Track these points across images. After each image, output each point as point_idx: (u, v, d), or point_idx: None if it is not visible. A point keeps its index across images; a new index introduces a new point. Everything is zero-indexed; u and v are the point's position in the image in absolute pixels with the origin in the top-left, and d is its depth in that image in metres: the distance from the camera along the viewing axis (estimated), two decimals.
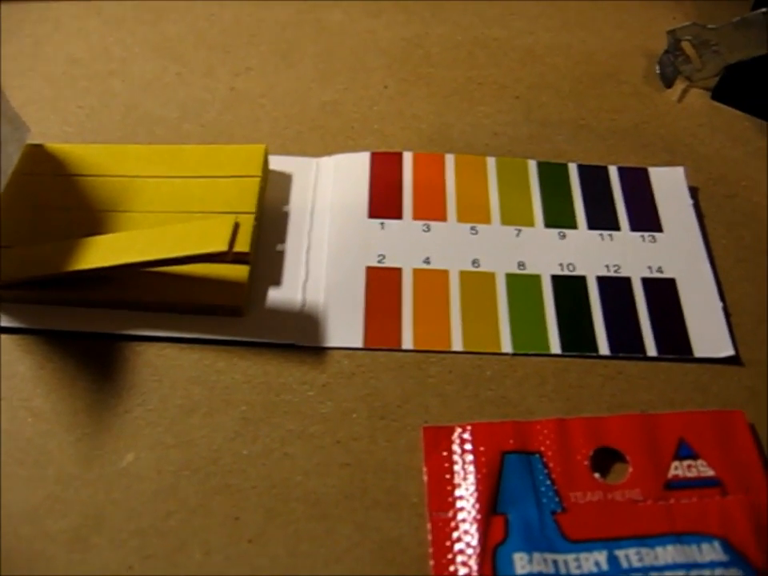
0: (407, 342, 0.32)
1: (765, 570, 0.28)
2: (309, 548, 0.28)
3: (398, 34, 0.43)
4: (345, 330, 0.33)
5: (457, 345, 0.33)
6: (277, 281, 0.34)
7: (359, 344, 0.32)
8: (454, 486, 0.29)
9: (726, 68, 0.40)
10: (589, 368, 0.33)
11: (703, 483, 0.30)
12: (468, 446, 0.30)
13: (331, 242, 0.35)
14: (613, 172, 0.38)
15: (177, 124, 0.39)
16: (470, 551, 0.28)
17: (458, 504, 0.29)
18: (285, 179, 0.37)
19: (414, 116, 0.39)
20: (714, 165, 0.39)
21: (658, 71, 0.42)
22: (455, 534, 0.28)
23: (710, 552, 0.28)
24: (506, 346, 0.33)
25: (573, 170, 0.38)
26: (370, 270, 0.34)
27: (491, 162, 0.38)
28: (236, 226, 0.31)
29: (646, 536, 0.29)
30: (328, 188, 0.37)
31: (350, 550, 0.28)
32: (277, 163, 0.37)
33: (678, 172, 0.38)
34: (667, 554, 0.28)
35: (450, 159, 0.37)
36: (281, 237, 0.35)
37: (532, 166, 0.38)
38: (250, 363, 0.32)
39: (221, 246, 0.31)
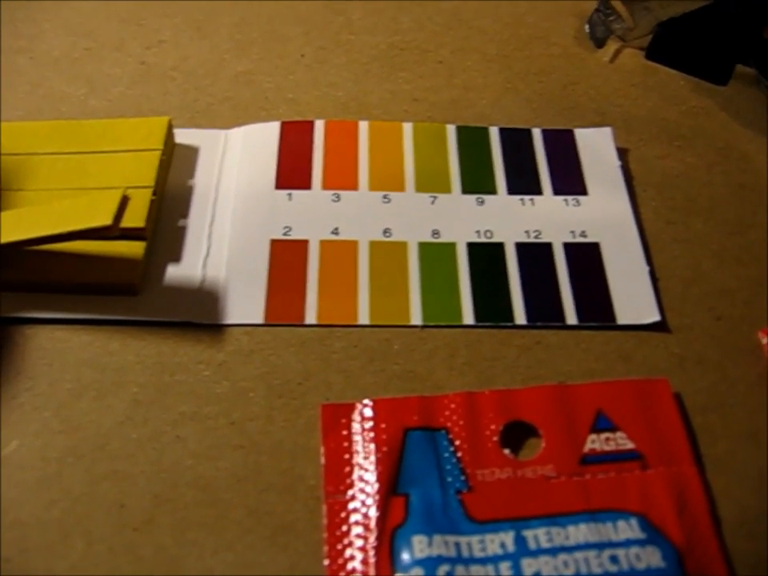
0: (311, 317, 0.31)
1: (685, 547, 0.26)
2: (197, 535, 0.26)
3: (318, 2, 0.41)
4: (245, 305, 0.31)
5: (363, 318, 0.31)
6: (176, 257, 0.32)
7: (259, 320, 0.31)
8: (353, 467, 0.27)
9: (658, 25, 0.38)
10: (504, 339, 0.31)
11: (622, 457, 0.28)
12: (369, 424, 0.28)
13: (235, 216, 0.33)
14: (536, 135, 0.36)
15: (83, 100, 0.37)
16: (366, 535, 0.26)
17: (356, 485, 0.27)
18: (191, 153, 0.35)
19: (330, 84, 0.38)
20: (645, 125, 0.37)
21: (587, 31, 0.40)
22: (351, 518, 0.26)
23: (626, 530, 0.26)
24: (416, 318, 0.31)
25: (494, 133, 0.36)
26: (275, 243, 0.32)
27: (407, 127, 0.36)
28: (123, 200, 0.30)
29: (557, 514, 0.27)
30: (235, 160, 0.35)
31: (241, 537, 0.26)
32: (183, 137, 0.35)
33: (606, 133, 0.36)
34: (579, 533, 0.26)
35: (363, 126, 0.36)
36: (184, 212, 0.33)
37: (450, 130, 0.36)
38: (145, 343, 0.30)
39: (104, 221, 0.29)
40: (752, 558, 0.27)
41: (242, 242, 0.32)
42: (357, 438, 0.28)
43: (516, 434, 0.28)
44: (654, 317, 0.31)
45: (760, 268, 0.33)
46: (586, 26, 0.40)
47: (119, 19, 0.40)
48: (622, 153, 0.36)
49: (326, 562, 0.26)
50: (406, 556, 0.25)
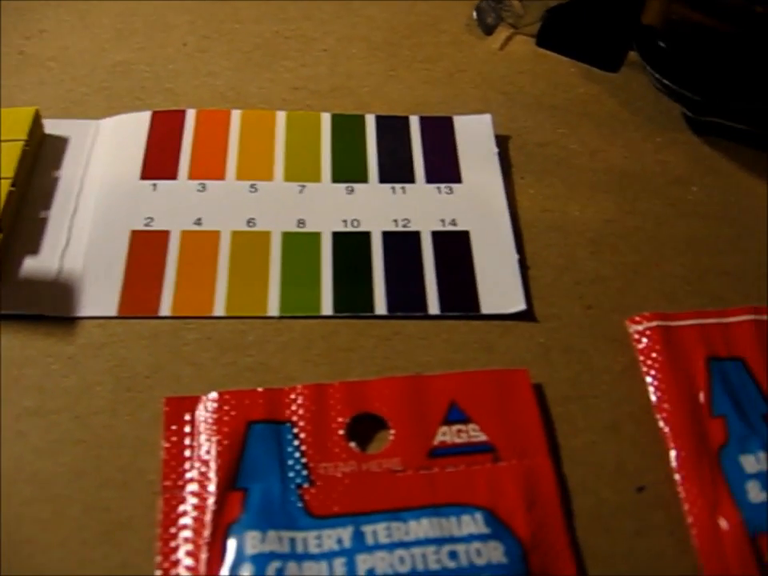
0: (165, 309, 0.30)
1: (531, 542, 0.25)
2: (31, 533, 0.26)
3: None
4: (99, 297, 0.30)
5: (219, 310, 0.30)
6: (34, 249, 0.31)
7: (113, 312, 0.30)
8: (193, 461, 0.27)
9: (547, 12, 0.37)
10: (362, 329, 0.30)
11: (473, 449, 0.27)
12: (212, 417, 0.27)
13: (98, 207, 0.32)
14: (414, 122, 0.35)
15: None
16: (200, 531, 0.25)
17: (194, 480, 0.26)
18: (61, 143, 0.34)
19: (210, 73, 0.37)
20: (530, 113, 0.36)
21: (475, 18, 0.39)
22: (187, 513, 0.26)
23: (470, 525, 0.25)
24: (273, 309, 0.30)
25: (370, 121, 0.35)
26: (135, 234, 0.31)
27: (281, 116, 0.35)
28: None
29: (400, 509, 0.26)
30: (104, 151, 0.34)
31: (76, 534, 0.26)
32: (54, 127, 0.35)
33: (485, 120, 0.35)
34: (420, 527, 0.25)
35: (236, 115, 0.35)
36: (46, 203, 0.33)
37: (325, 119, 0.35)
38: None
39: None
40: (604, 553, 0.26)
41: (102, 234, 0.32)
42: (198, 431, 0.27)
43: (367, 427, 0.27)
44: (519, 306, 0.30)
45: (636, 256, 0.32)
46: (474, 13, 0.39)
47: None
48: (503, 140, 0.35)
49: (158, 559, 0.25)
50: (237, 552, 0.24)
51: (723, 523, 0.26)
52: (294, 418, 0.27)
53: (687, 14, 0.32)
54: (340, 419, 0.27)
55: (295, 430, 0.27)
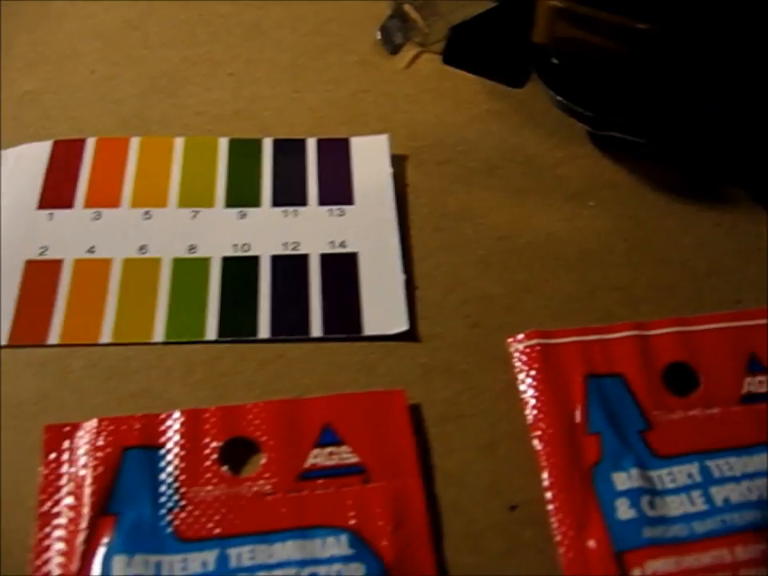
0: (54, 337, 0.31)
1: (394, 563, 0.26)
2: None
3: (118, 16, 0.41)
4: None
5: (106, 337, 0.31)
6: None
7: (3, 342, 0.30)
8: (68, 487, 0.27)
9: (451, 29, 0.37)
10: (245, 353, 0.30)
11: (344, 471, 0.28)
12: (90, 444, 0.28)
13: None
14: (311, 145, 0.36)
15: None
16: (71, 556, 0.26)
17: (69, 506, 0.27)
18: None
19: (115, 100, 0.37)
20: (431, 131, 0.36)
21: (379, 38, 0.39)
22: (60, 538, 0.26)
23: (334, 546, 0.26)
24: (158, 335, 0.31)
25: (267, 145, 0.35)
26: (30, 264, 0.32)
27: (179, 142, 0.35)
28: None
29: (268, 532, 0.26)
30: (4, 181, 0.35)
31: None
32: None
33: (381, 140, 0.36)
34: (285, 550, 0.26)
35: (134, 143, 0.35)
36: None
37: (222, 143, 0.35)
38: None
39: None
40: (472, 571, 0.26)
41: None
42: (75, 457, 0.28)
43: (242, 451, 0.28)
44: (401, 327, 0.31)
45: (526, 273, 0.33)
46: (378, 33, 0.39)
47: None
48: (401, 159, 0.35)
49: None
50: None
51: (590, 541, 0.26)
52: (169, 444, 0.28)
53: (572, 33, 0.33)
54: (214, 444, 0.28)
55: (169, 456, 0.28)
